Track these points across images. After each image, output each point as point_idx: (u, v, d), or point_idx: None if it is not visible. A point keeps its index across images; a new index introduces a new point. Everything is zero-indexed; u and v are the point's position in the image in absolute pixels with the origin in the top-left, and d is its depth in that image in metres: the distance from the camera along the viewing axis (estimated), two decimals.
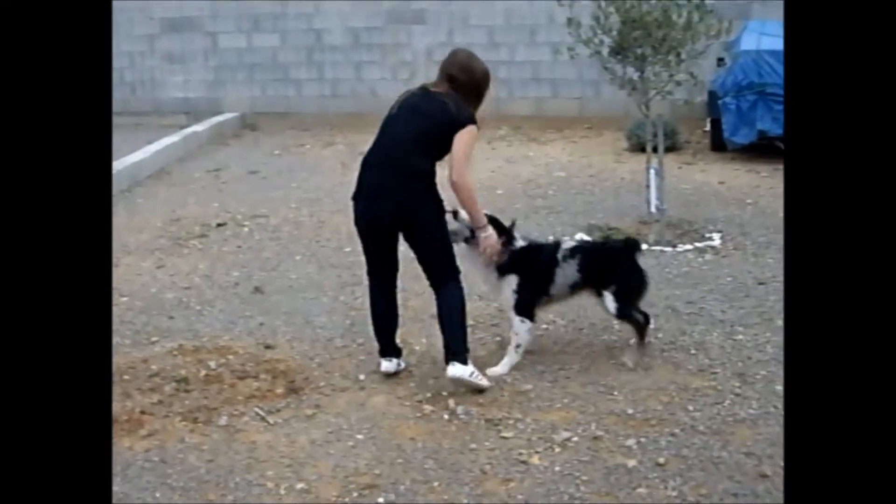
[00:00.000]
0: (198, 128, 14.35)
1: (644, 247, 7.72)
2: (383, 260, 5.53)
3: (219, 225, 9.20)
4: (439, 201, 5.36)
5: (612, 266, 5.76)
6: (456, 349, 5.26)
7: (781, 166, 10.60)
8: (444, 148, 5.22)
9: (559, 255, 5.64)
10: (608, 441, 4.71)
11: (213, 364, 5.75)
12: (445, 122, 5.20)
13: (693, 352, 5.75)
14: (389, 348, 5.61)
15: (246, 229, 9.04)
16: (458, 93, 5.32)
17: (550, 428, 4.86)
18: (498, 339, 5.98)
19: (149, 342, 6.19)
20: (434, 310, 5.79)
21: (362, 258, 7.68)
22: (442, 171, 5.24)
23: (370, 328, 6.16)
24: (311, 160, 12.63)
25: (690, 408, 5.04)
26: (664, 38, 7.75)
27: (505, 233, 5.57)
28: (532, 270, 5.62)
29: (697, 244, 7.95)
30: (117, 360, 5.81)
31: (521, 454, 4.60)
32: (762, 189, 9.94)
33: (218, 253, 8.30)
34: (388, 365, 5.56)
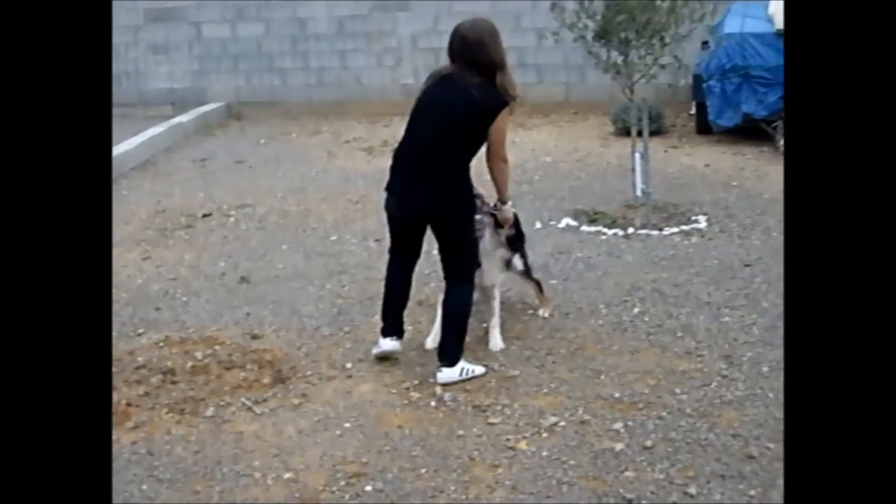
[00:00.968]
0: (183, 118, 14.29)
1: (630, 231, 7.79)
2: (409, 246, 5.56)
3: (205, 215, 9.17)
4: (471, 198, 5.35)
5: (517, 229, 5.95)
6: (450, 353, 5.29)
7: (766, 148, 10.66)
8: (477, 140, 5.17)
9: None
10: (595, 425, 4.72)
11: (199, 355, 5.74)
12: (475, 114, 5.07)
13: (679, 335, 5.76)
14: (395, 327, 5.59)
15: (232, 219, 9.02)
16: (475, 70, 5.08)
17: (538, 413, 4.86)
18: (484, 325, 5.97)
19: (135, 334, 6.17)
20: (421, 297, 5.84)
21: (348, 247, 7.78)
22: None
23: (357, 317, 6.19)
24: (298, 149, 12.59)
25: (677, 391, 5.05)
26: (648, 21, 7.73)
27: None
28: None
29: (683, 227, 7.95)
30: None
31: (508, 440, 4.60)
32: (747, 171, 9.94)
33: (204, 243, 8.28)
34: (391, 344, 5.53)
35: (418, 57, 14.92)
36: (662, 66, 7.95)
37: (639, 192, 8.13)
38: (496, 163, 5.25)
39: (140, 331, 6.22)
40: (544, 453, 4.47)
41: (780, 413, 4.72)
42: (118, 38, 15.79)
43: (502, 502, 4.10)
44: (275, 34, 15.44)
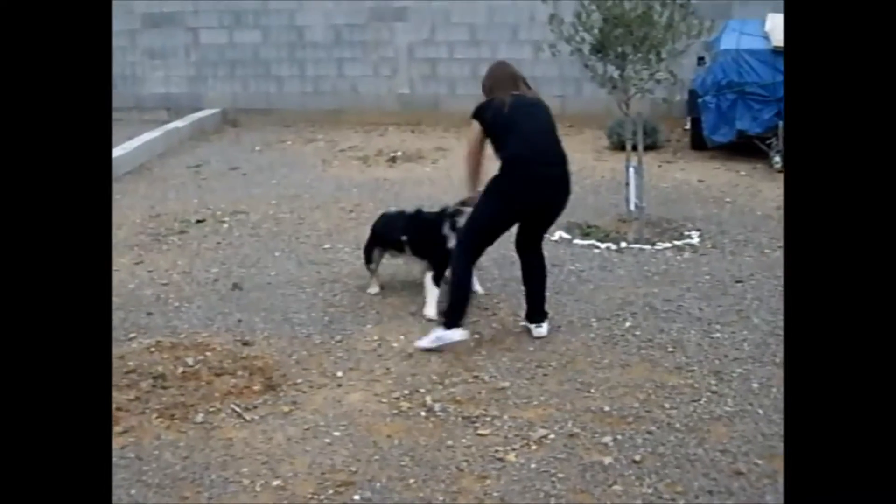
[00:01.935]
0: (178, 123, 14.31)
1: (623, 245, 7.80)
2: (495, 239, 6.07)
3: (198, 221, 9.18)
4: None
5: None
6: (544, 311, 6.09)
7: (760, 165, 10.69)
8: None
9: None
10: (584, 438, 4.72)
11: (190, 361, 5.73)
12: (550, 113, 6.14)
13: (670, 349, 5.77)
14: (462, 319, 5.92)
15: (225, 226, 9.02)
16: (527, 87, 6.20)
17: (527, 425, 4.86)
18: (496, 326, 6.04)
19: (126, 338, 6.16)
20: (413, 307, 5.89)
21: (341, 256, 7.80)
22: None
23: (348, 325, 6.20)
24: (292, 157, 12.60)
25: (667, 405, 5.05)
26: (645, 36, 7.76)
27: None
28: None
29: (676, 242, 7.97)
30: None
31: (497, 451, 4.60)
32: (741, 188, 9.97)
33: (197, 249, 8.28)
34: (462, 334, 5.88)
35: (414, 67, 14.97)
36: (658, 81, 7.97)
37: (632, 207, 8.14)
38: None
39: (131, 335, 6.21)
40: (533, 465, 4.47)
41: (769, 429, 4.74)
42: (115, 42, 15.79)
43: None
44: (272, 41, 15.48)
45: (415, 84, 15.06)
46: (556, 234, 8.14)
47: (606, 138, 12.30)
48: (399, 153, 12.34)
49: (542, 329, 6.02)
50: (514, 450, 4.62)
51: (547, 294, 6.17)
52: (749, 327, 6.07)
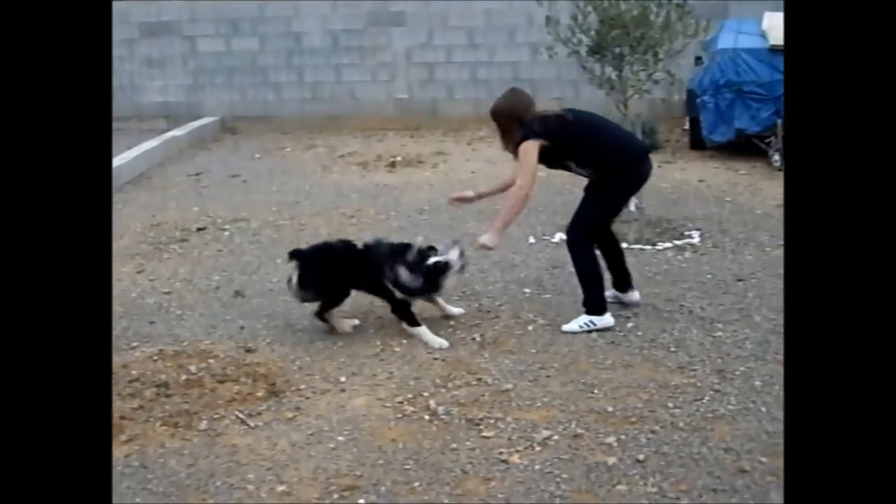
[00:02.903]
0: (177, 132, 14.33)
1: (624, 245, 7.80)
2: None
3: (199, 229, 9.19)
4: None
5: None
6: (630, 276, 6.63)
7: (759, 164, 10.71)
8: None
9: None
10: (588, 439, 4.73)
11: (193, 368, 5.74)
12: None
13: (673, 349, 5.77)
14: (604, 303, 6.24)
15: (226, 233, 9.03)
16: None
17: (531, 427, 4.87)
18: (498, 328, 6.05)
19: (129, 347, 6.17)
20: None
21: None
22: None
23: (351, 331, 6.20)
24: (292, 163, 12.62)
25: (670, 405, 5.06)
26: (642, 37, 7.79)
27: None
28: None
29: (677, 242, 7.98)
30: None
31: (501, 453, 4.61)
32: (741, 187, 9.98)
33: (198, 257, 8.29)
34: (611, 319, 6.18)
35: (413, 71, 14.99)
36: (656, 82, 8.00)
37: (632, 207, 8.15)
38: None
39: (134, 344, 6.22)
40: (537, 467, 4.47)
41: (772, 427, 4.74)
42: (113, 51, 15.84)
43: None
44: (269, 48, 15.50)
45: (413, 88, 15.09)
46: (557, 235, 8.14)
47: None
48: (398, 158, 12.36)
49: (636, 293, 6.53)
50: (518, 451, 4.63)
51: (548, 296, 6.18)
52: (751, 325, 6.08)
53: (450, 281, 6.13)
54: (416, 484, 4.37)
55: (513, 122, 6.05)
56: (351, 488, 4.35)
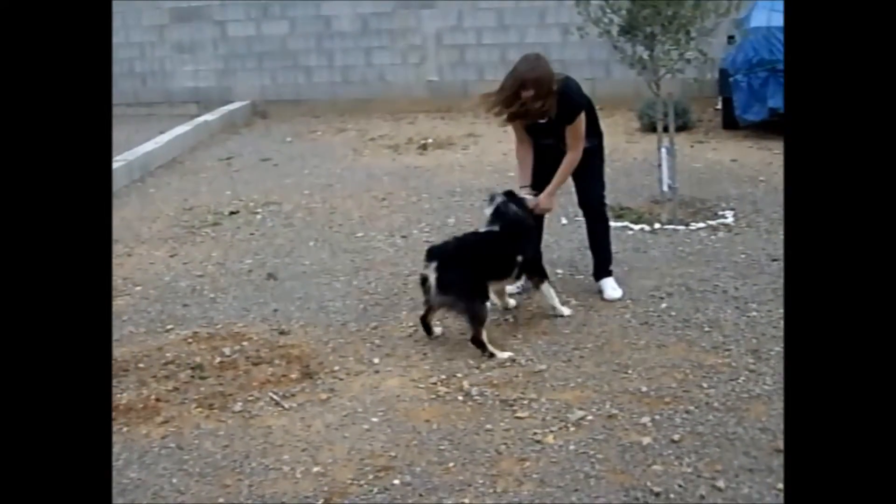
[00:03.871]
0: (209, 117, 14.37)
1: (657, 226, 7.77)
2: None
3: (231, 213, 9.22)
4: None
5: None
6: None
7: None
8: None
9: None
10: (623, 419, 4.71)
11: (227, 351, 5.77)
12: None
13: (707, 329, 5.74)
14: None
15: (259, 216, 9.06)
16: None
17: (565, 407, 4.86)
18: (532, 309, 6.05)
19: (163, 330, 6.21)
20: None
21: (375, 244, 7.84)
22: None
23: (384, 312, 6.22)
24: (323, 147, 12.63)
25: (705, 385, 5.03)
26: (674, 16, 7.70)
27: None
28: None
29: (710, 222, 7.93)
30: (132, 348, 5.84)
31: (535, 434, 4.60)
32: (774, 166, 9.90)
33: (231, 241, 8.31)
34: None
35: (443, 54, 14.95)
36: (688, 61, 7.91)
37: (665, 188, 8.11)
38: None
39: (168, 327, 6.26)
40: (572, 447, 4.46)
41: None
42: (143, 37, 15.94)
43: (530, 496, 4.09)
44: (299, 32, 15.50)
45: (443, 71, 15.05)
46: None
47: (637, 120, 12.24)
48: (430, 140, 12.34)
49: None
50: (552, 432, 4.62)
51: (581, 277, 6.19)
52: None
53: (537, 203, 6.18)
54: (451, 464, 4.37)
55: (551, 88, 5.90)
56: (386, 469, 4.36)
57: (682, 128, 10.91)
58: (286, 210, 9.24)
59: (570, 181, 6.30)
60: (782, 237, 7.45)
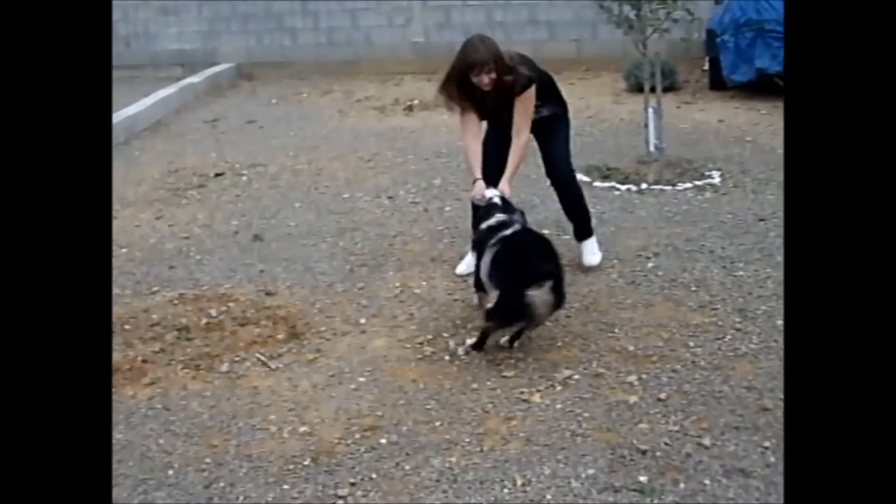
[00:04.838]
0: (194, 79, 14.27)
1: (643, 186, 7.76)
2: None
3: (217, 175, 9.17)
4: None
5: None
6: None
7: (781, 104, 10.56)
8: None
9: None
10: (609, 378, 4.72)
11: (213, 312, 5.75)
12: None
13: (694, 288, 5.75)
14: None
15: (244, 178, 9.02)
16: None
17: (551, 366, 4.87)
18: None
19: (149, 292, 6.19)
20: (434, 253, 5.89)
21: (360, 205, 7.84)
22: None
23: (370, 273, 6.21)
24: (309, 108, 12.57)
25: (691, 343, 5.05)
26: None
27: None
28: None
29: (697, 182, 7.92)
30: (118, 310, 5.82)
31: (522, 393, 4.61)
32: (761, 126, 9.89)
33: (217, 202, 8.28)
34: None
35: (429, 15, 14.86)
36: (675, 21, 7.88)
37: (652, 148, 8.09)
38: None
39: (154, 289, 6.24)
40: (558, 406, 4.47)
41: None
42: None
43: (517, 454, 4.10)
44: None
45: (429, 32, 14.96)
46: (576, 177, 8.08)
47: (624, 81, 12.21)
48: (415, 101, 12.29)
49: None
50: (538, 391, 4.63)
51: (567, 237, 6.17)
52: (772, 265, 6.04)
53: None
54: (438, 423, 4.38)
55: (506, 61, 5.58)
56: (373, 428, 4.37)
57: (668, 88, 10.87)
58: (272, 172, 9.20)
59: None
60: (769, 197, 7.46)
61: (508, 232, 5.14)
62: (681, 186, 7.83)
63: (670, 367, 4.80)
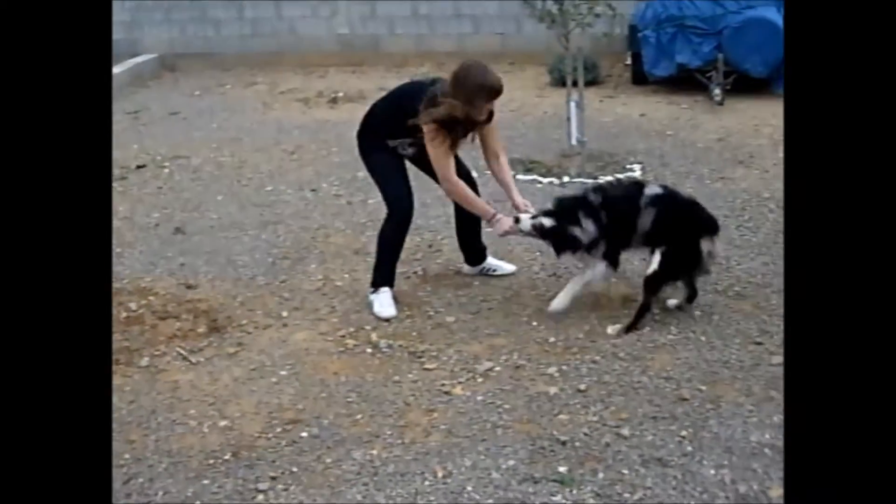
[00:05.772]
0: (115, 69, 14.02)
1: (565, 179, 7.82)
2: None
3: (139, 167, 9.06)
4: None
5: None
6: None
7: (700, 98, 10.74)
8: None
9: None
10: (530, 370, 4.77)
11: (133, 305, 5.69)
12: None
13: (613, 280, 5.80)
14: None
15: (166, 170, 8.92)
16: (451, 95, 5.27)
17: (473, 358, 4.90)
18: (440, 262, 6.10)
19: None
20: (357, 246, 5.88)
21: (284, 197, 7.80)
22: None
23: (292, 266, 6.18)
24: (232, 100, 12.45)
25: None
26: None
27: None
28: None
29: (618, 175, 8.00)
30: None
31: (443, 385, 4.64)
32: (682, 121, 10.01)
33: (138, 195, 8.18)
34: None
35: (354, 7, 14.78)
36: (598, 16, 7.96)
37: (574, 142, 8.16)
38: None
39: None
40: (479, 398, 4.51)
41: (711, 356, 4.82)
42: None
43: (438, 446, 4.13)
44: None
45: (354, 24, 14.89)
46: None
47: (548, 75, 12.27)
48: (340, 94, 12.23)
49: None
50: (460, 383, 4.66)
51: (489, 230, 6.16)
52: None
53: None
54: (359, 416, 4.40)
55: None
56: (294, 422, 4.37)
57: (591, 82, 10.96)
58: (194, 164, 9.11)
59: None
60: (688, 189, 7.52)
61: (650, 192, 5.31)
62: (602, 179, 7.89)
63: (590, 358, 4.86)
